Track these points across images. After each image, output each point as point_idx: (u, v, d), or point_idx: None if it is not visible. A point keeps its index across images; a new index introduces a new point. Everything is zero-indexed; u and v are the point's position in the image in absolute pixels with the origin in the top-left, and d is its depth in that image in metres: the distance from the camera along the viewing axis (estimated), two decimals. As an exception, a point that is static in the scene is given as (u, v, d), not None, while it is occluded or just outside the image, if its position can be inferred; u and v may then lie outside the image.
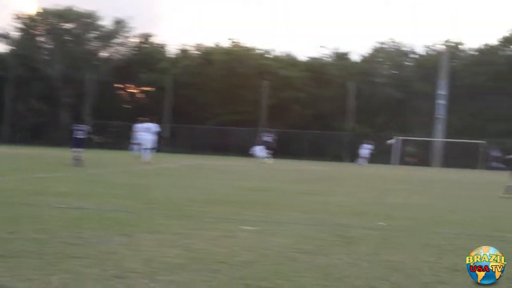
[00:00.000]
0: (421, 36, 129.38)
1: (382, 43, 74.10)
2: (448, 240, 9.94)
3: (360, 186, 22.94)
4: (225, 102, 70.74)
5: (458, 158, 63.05)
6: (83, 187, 16.12)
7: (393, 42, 73.98)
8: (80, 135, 28.94)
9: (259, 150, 44.82)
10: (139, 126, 34.98)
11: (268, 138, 45.11)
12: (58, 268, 6.68)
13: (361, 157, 54.50)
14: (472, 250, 6.62)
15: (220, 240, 9.07)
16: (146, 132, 33.86)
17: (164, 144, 59.79)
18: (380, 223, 11.67)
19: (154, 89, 74.31)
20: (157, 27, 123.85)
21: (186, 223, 10.62)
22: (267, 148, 44.45)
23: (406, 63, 74.47)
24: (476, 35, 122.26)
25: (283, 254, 8.06)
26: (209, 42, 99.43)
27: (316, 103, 71.04)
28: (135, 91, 78.07)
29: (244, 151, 51.15)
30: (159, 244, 8.47)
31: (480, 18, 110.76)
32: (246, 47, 74.93)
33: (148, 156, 33.32)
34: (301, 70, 72.56)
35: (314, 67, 74.09)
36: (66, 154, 34.66)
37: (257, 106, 69.39)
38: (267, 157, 44.13)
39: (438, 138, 63.47)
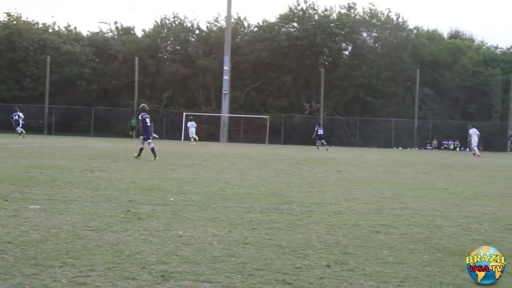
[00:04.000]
0: (203, 11, 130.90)
1: (165, 18, 74.27)
2: (237, 213, 10.22)
3: (148, 162, 22.93)
4: (6, 77, 68.08)
5: (245, 133, 65.11)
6: None
7: (176, 17, 74.31)
8: None
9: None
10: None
11: (16, 115, 46.64)
12: None
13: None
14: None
15: (5, 219, 8.74)
16: None
17: None
18: (171, 199, 11.79)
19: None
20: None
21: (-33, 204, 10.15)
22: (17, 125, 47.31)
23: (190, 38, 75.10)
24: (256, 12, 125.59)
25: (72, 233, 7.92)
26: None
27: (101, 78, 70.21)
28: None
29: (29, 129, 49.63)
30: None
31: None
32: (26, 21, 72.30)
33: None
34: (84, 45, 71.37)
35: (97, 42, 73.19)
36: None
37: (41, 82, 67.29)
38: (21, 133, 46.49)
39: (225, 113, 64.81)
